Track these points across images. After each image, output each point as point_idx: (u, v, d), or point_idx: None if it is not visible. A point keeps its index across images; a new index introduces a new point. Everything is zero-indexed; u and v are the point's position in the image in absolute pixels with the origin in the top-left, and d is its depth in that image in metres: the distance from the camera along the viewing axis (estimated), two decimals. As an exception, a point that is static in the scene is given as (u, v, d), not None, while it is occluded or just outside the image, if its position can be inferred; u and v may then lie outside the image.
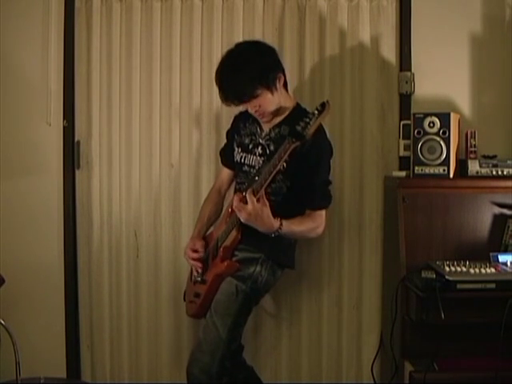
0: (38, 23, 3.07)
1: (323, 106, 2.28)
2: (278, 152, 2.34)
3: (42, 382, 2.80)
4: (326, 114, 2.29)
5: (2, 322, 2.58)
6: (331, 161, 2.64)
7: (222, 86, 2.55)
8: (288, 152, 2.31)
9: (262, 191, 2.39)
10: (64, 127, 3.09)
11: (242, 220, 2.41)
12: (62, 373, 3.13)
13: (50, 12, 3.06)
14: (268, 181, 2.38)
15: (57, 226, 3.12)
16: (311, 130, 2.27)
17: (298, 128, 2.27)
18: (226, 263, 2.55)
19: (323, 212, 2.59)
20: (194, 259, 2.69)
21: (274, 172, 2.36)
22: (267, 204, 2.39)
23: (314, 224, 2.57)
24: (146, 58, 3.07)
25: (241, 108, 2.69)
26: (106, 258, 3.13)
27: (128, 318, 3.13)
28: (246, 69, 2.47)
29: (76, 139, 3.12)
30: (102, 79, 3.08)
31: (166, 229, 3.11)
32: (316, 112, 2.28)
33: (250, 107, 2.57)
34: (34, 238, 3.13)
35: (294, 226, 2.50)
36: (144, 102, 3.08)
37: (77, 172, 3.13)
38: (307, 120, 2.27)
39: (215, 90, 2.96)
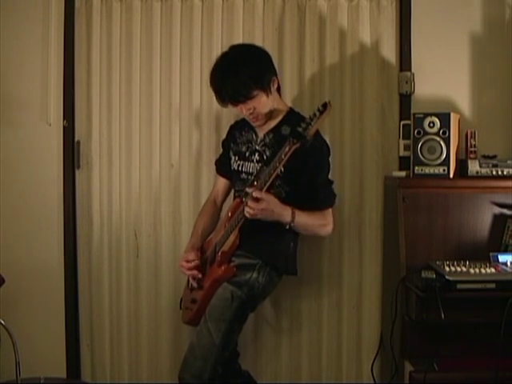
0: (38, 23, 3.08)
1: (325, 106, 2.26)
2: (278, 154, 2.33)
3: (42, 382, 2.80)
4: (327, 114, 2.27)
5: (2, 322, 2.57)
6: (330, 159, 2.65)
7: (218, 87, 2.55)
8: (289, 154, 2.30)
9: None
10: (64, 127, 3.09)
11: (259, 216, 2.40)
12: (62, 373, 3.13)
13: (50, 12, 3.07)
14: (268, 183, 2.38)
15: (57, 226, 3.12)
16: (312, 130, 2.26)
17: (299, 129, 2.26)
18: (223, 268, 2.53)
19: (330, 211, 2.60)
20: (189, 269, 2.66)
21: (274, 174, 2.35)
22: (271, 195, 2.41)
23: (323, 220, 2.58)
24: (145, 57, 3.07)
25: (235, 112, 2.68)
26: (106, 257, 3.13)
27: (128, 317, 3.13)
28: (242, 70, 2.48)
29: (76, 139, 3.11)
30: (101, 79, 3.08)
31: (166, 229, 3.10)
32: (317, 112, 2.26)
33: (245, 109, 2.56)
34: (34, 238, 3.13)
35: (306, 217, 2.50)
36: (144, 102, 3.08)
37: (77, 172, 3.13)
38: (308, 121, 2.26)
39: (215, 90, 2.97)
